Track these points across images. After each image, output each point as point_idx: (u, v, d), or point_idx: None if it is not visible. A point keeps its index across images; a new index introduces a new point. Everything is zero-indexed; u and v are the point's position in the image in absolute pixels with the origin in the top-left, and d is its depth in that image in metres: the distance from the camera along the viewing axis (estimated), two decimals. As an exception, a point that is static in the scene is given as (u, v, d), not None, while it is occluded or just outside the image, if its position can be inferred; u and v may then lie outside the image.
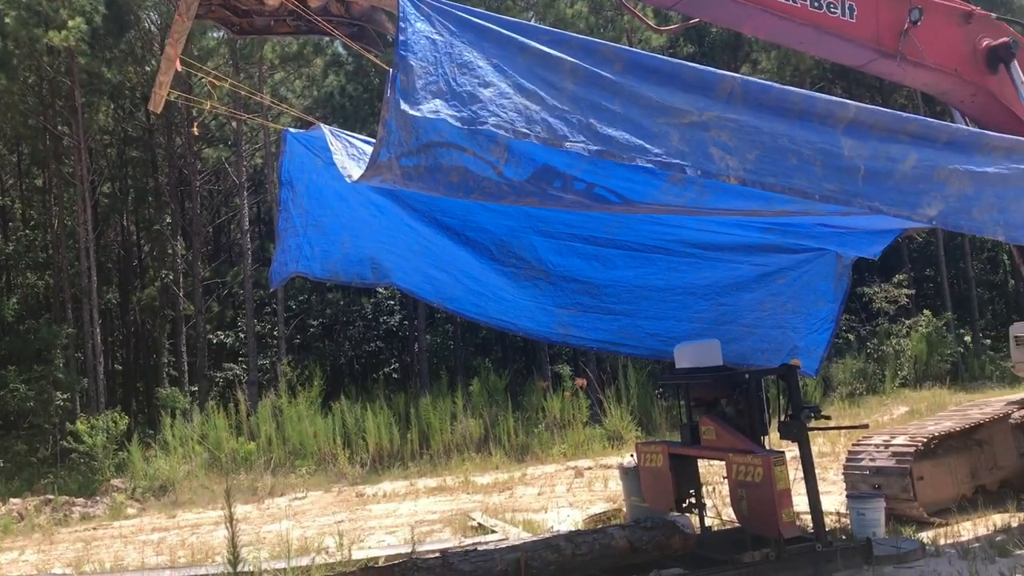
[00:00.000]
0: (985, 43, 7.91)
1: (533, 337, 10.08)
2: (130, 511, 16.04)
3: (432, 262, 8.27)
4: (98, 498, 17.47)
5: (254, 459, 18.81)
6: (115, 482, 18.40)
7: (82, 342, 26.22)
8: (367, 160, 5.22)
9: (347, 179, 6.06)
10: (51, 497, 17.12)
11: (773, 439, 7.63)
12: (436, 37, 4.49)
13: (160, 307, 30.16)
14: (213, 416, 20.08)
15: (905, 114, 5.71)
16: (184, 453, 19.08)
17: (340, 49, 29.42)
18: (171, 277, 29.12)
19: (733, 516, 7.40)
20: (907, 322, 26.24)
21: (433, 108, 4.44)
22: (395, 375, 31.00)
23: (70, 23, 23.41)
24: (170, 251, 29.76)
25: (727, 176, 5.01)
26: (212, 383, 27.84)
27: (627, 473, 9.00)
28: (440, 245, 7.94)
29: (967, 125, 8.36)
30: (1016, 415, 9.32)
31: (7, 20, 23.76)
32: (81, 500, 17.22)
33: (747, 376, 7.45)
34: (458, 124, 4.53)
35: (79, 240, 26.98)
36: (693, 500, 7.92)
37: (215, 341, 30.12)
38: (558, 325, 8.94)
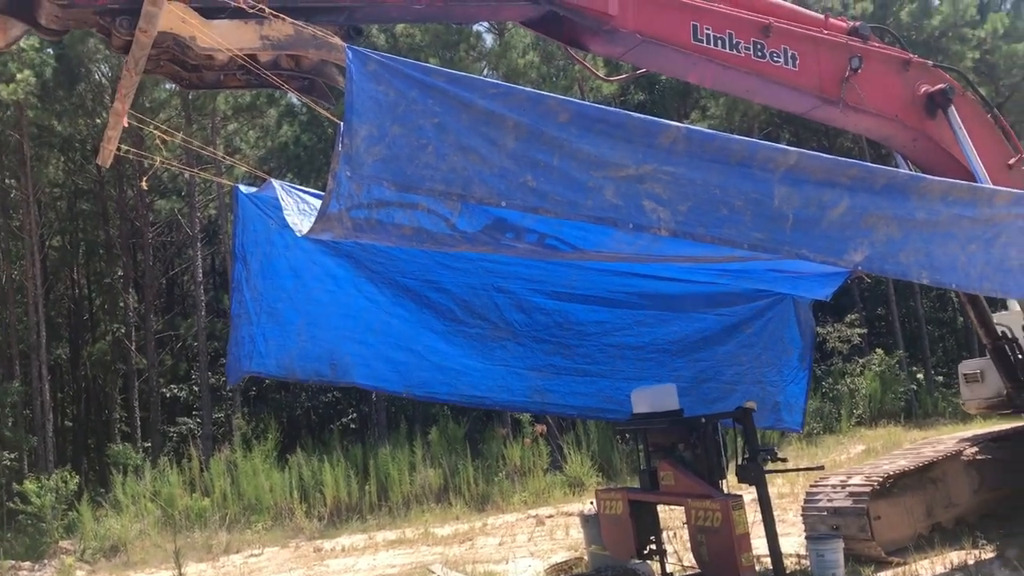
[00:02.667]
0: (923, 89, 8.15)
1: (511, 410, 9.82)
2: (79, 574, 15.55)
3: (394, 341, 8.09)
4: (46, 561, 16.95)
5: (208, 515, 18.39)
6: (64, 544, 17.85)
7: (30, 399, 25.59)
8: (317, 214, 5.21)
9: (297, 233, 6.03)
10: (-4, 562, 16.55)
11: (731, 482, 7.64)
12: (381, 97, 4.50)
13: (111, 361, 29.58)
14: (166, 472, 19.65)
15: (845, 159, 5.84)
16: (136, 511, 18.60)
17: (294, 100, 29.47)
18: (123, 331, 28.63)
19: (694, 561, 7.36)
20: (861, 361, 26.58)
21: (374, 173, 4.47)
22: (353, 425, 30.60)
23: (19, 76, 23.20)
24: (122, 304, 29.29)
25: (658, 228, 5.10)
26: (165, 438, 27.26)
27: (588, 521, 8.95)
28: (401, 317, 7.85)
29: (910, 169, 8.58)
30: (968, 452, 9.45)
31: (-46, 74, 23.48)
32: (28, 564, 16.69)
33: (703, 420, 7.48)
34: (394, 190, 4.57)
35: (27, 294, 26.46)
36: (654, 547, 7.88)
37: (168, 395, 29.56)
38: (534, 392, 8.77)
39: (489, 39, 28.94)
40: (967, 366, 10.34)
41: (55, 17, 5.08)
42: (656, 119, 5.28)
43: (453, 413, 23.04)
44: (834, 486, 8.76)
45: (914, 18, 28.64)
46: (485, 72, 28.10)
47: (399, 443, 21.20)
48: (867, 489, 8.37)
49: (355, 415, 31.18)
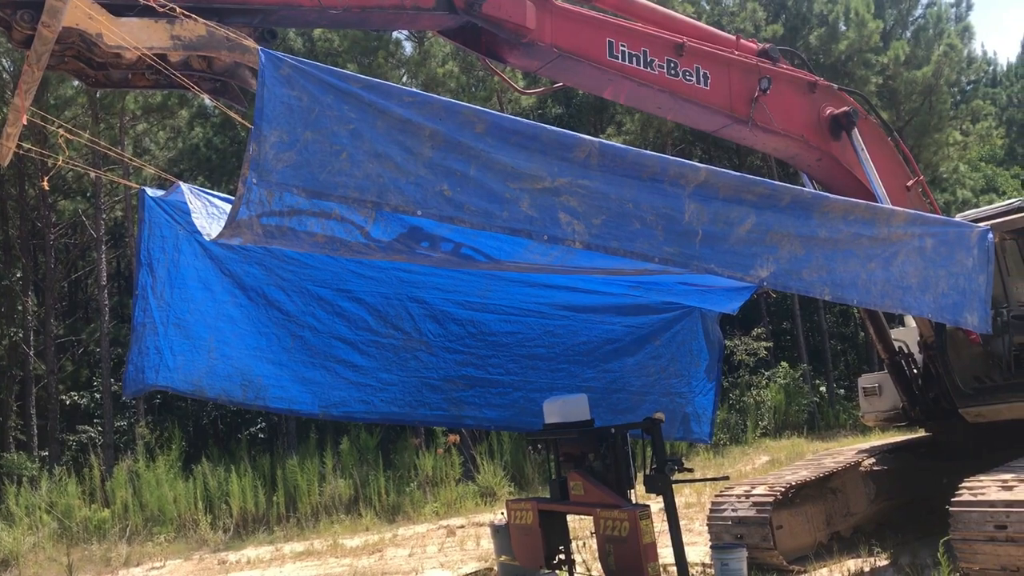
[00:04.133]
0: (828, 111, 8.44)
1: (431, 425, 9.60)
2: (-34, 589, 14.86)
3: (308, 359, 7.87)
4: (-70, 576, 16.10)
5: (108, 527, 17.76)
6: (-49, 558, 17.01)
7: (-83, 406, 24.39)
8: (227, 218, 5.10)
9: (206, 237, 5.89)
10: None
11: (640, 492, 7.74)
12: (294, 102, 4.42)
13: (8, 366, 28.36)
14: (64, 482, 18.92)
15: (753, 177, 6.00)
16: (30, 523, 17.85)
17: (206, 101, 28.83)
18: (21, 335, 27.50)
19: (602, 571, 7.43)
20: (766, 373, 27.30)
21: (282, 180, 4.37)
22: (261, 435, 30.01)
23: (-88, 67, 22.16)
24: (20, 307, 28.14)
25: (572, 240, 5.14)
26: (64, 447, 26.26)
27: (498, 531, 8.96)
28: (313, 328, 7.70)
29: (815, 188, 8.87)
30: (866, 463, 9.79)
31: None
32: (-90, 579, 15.83)
33: (613, 431, 7.56)
34: (304, 196, 4.49)
35: (-83, 296, 25.25)
36: (563, 556, 7.93)
37: (68, 402, 28.51)
38: (451, 404, 8.66)
39: (409, 47, 28.90)
40: (866, 380, 10.71)
41: (-49, 8, 4.87)
42: (571, 132, 5.33)
43: (366, 424, 22.80)
44: (738, 496, 8.97)
45: (822, 42, 29.67)
46: (404, 80, 27.99)
47: (309, 453, 20.85)
48: (770, 499, 8.59)
49: (264, 424, 30.59)
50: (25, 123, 5.24)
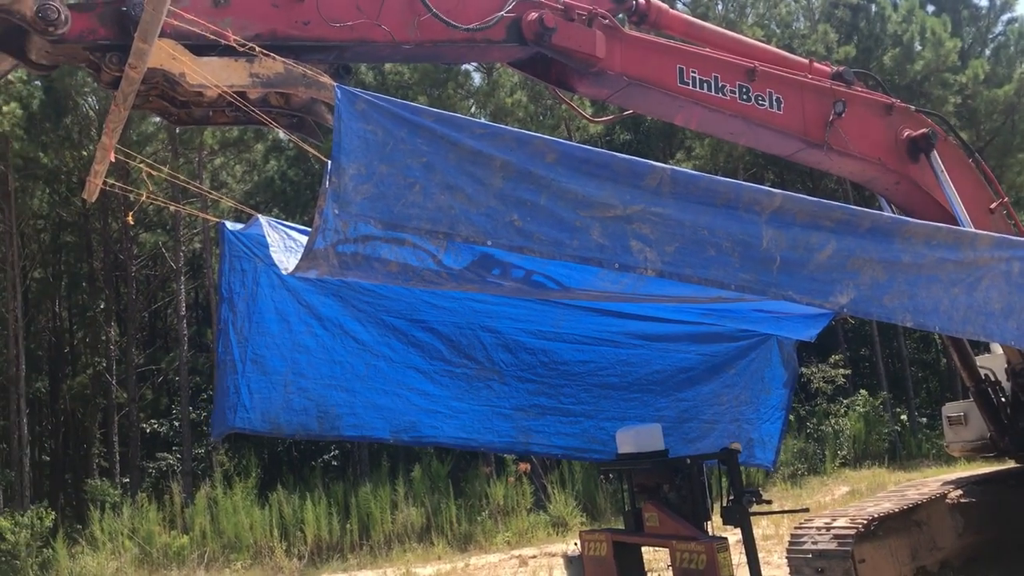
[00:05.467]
0: (906, 134, 8.25)
1: (498, 451, 9.60)
2: (53, 612, 15.27)
3: (380, 386, 7.97)
4: (19, 599, 16.61)
5: (187, 554, 18.12)
6: (38, 581, 17.54)
7: (8, 433, 25.25)
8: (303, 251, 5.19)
9: (283, 271, 6.00)
10: (-32, 600, 16.23)
11: (716, 523, 7.60)
12: (370, 136, 4.50)
13: (92, 395, 29.28)
14: (145, 508, 19.37)
15: (830, 202, 5.89)
16: (113, 548, 18.31)
17: (281, 135, 29.58)
18: (104, 364, 28.37)
19: (678, 604, 7.29)
20: (845, 402, 26.63)
21: (361, 211, 4.45)
22: (335, 463, 30.31)
23: (5, 108, 23.21)
24: (103, 337, 29.05)
25: (644, 268, 5.09)
26: (144, 474, 26.93)
27: (571, 562, 8.85)
28: (387, 358, 7.79)
29: (893, 212, 8.66)
30: (952, 495, 9.44)
31: (-61, 106, 23.46)
32: (1, 602, 16.35)
33: (688, 461, 7.45)
34: (380, 228, 4.56)
35: (8, 327, 26.23)
36: (638, 588, 7.81)
37: (148, 430, 29.25)
38: (519, 432, 8.66)
39: (477, 78, 29.22)
40: (951, 408, 10.37)
41: (45, 52, 5.08)
42: (641, 160, 5.31)
43: (437, 451, 22.90)
44: (819, 528, 8.72)
45: (897, 63, 29.11)
46: (473, 110, 28.32)
47: (381, 481, 21.01)
48: (852, 532, 8.34)
49: (337, 452, 30.91)
50: (113, 160, 5.43)
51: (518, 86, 26.98)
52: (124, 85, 4.97)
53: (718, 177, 5.57)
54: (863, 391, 27.08)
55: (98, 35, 5.03)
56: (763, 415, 9.24)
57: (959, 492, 9.54)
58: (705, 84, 7.30)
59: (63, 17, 4.83)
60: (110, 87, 5.25)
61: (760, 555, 7.37)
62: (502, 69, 25.99)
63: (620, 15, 7.39)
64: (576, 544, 9.21)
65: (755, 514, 7.38)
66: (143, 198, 6.53)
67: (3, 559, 18.73)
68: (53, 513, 20.25)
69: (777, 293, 5.34)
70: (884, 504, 9.23)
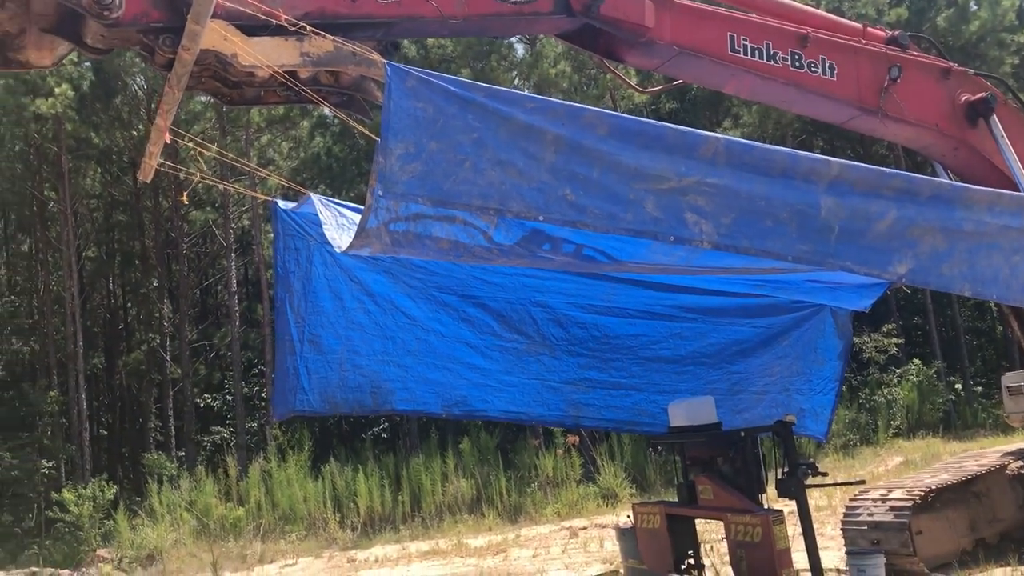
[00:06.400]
0: (964, 98, 8.02)
1: (548, 424, 9.61)
2: (117, 582, 15.72)
3: (431, 361, 8.05)
4: (84, 569, 17.15)
5: (243, 525, 18.52)
6: (101, 552, 18.07)
7: (67, 408, 25.94)
8: (356, 229, 5.22)
9: (337, 249, 6.04)
10: (36, 570, 16.78)
11: (770, 496, 7.56)
12: (419, 113, 4.48)
13: (146, 371, 29.92)
14: (201, 481, 19.81)
15: (888, 170, 5.76)
16: (172, 520, 18.77)
17: (326, 112, 29.70)
18: (158, 340, 28.96)
19: (732, 576, 7.29)
20: (897, 371, 26.25)
21: (408, 190, 4.45)
22: (384, 435, 30.69)
23: (57, 91, 23.63)
24: (157, 314, 29.63)
25: (700, 241, 5.02)
26: (199, 447, 27.51)
27: (624, 534, 8.88)
28: (438, 333, 7.84)
29: (949, 178, 8.46)
30: (1013, 466, 9.27)
31: (-6, 89, 23.95)
32: (66, 572, 16.89)
33: (742, 434, 7.40)
34: (429, 205, 4.55)
35: (65, 305, 26.86)
36: (692, 561, 7.81)
37: (202, 404, 29.83)
38: (569, 406, 8.69)
39: (521, 49, 29.05)
40: (1011, 378, 10.15)
41: (101, 36, 5.14)
42: (695, 130, 5.23)
43: (485, 424, 23.04)
44: (874, 500, 8.64)
45: (951, 23, 28.34)
46: (516, 82, 28.17)
47: (431, 453, 21.24)
48: (909, 503, 8.25)
49: (386, 424, 31.28)
50: (168, 141, 5.50)
51: (561, 56, 26.76)
52: (177, 67, 5.02)
53: (773, 147, 5.48)
54: (916, 360, 26.66)
55: (151, 18, 5.08)
56: (815, 386, 9.13)
57: (1020, 463, 9.36)
58: (757, 52, 7.16)
59: (117, 1, 4.88)
60: (163, 69, 5.31)
61: (814, 527, 7.32)
62: (545, 40, 25.78)
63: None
64: (628, 516, 9.24)
65: (811, 486, 7.32)
66: (196, 178, 6.63)
67: (68, 530, 19.32)
68: (114, 487, 20.82)
69: (834, 263, 5.26)
70: (942, 475, 9.10)
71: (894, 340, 26.95)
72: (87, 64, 25.84)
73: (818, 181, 5.16)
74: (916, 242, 5.40)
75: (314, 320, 7.39)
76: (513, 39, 28.71)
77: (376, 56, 5.31)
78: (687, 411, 7.86)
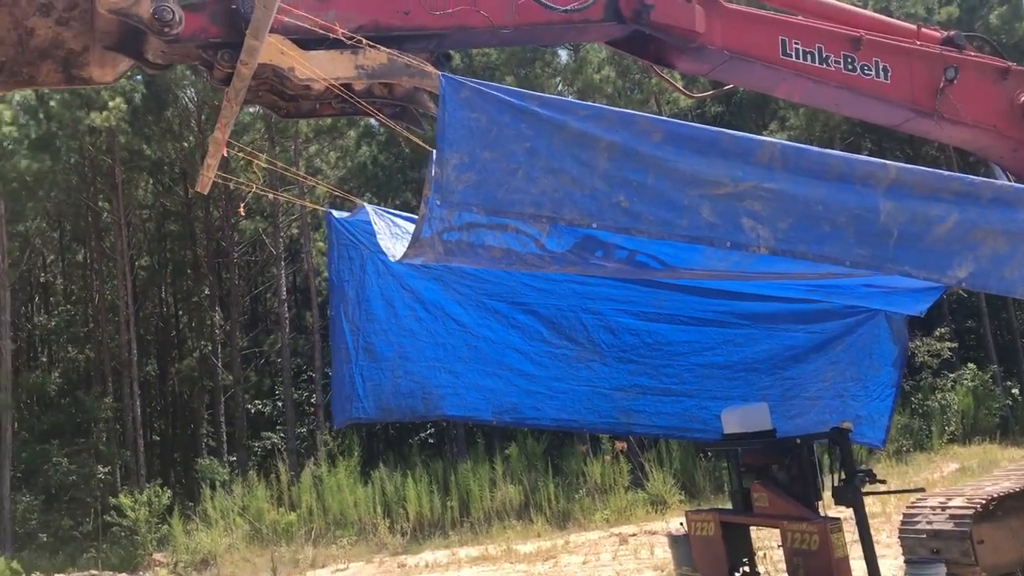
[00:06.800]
0: (1023, 98, 7.87)
1: (599, 431, 9.57)
2: (173, 586, 15.99)
3: (481, 368, 8.10)
4: (141, 573, 17.47)
5: (295, 530, 18.73)
6: (157, 556, 18.39)
7: (122, 414, 26.45)
8: (409, 238, 5.28)
9: (391, 258, 6.11)
10: (95, 573, 17.14)
11: (826, 503, 7.46)
12: (473, 123, 4.52)
13: (198, 378, 30.42)
14: (254, 487, 20.07)
15: (947, 173, 5.67)
16: (225, 525, 19.05)
17: (372, 122, 29.98)
18: (209, 348, 29.41)
19: (788, 585, 7.21)
20: (951, 376, 25.75)
21: (463, 199, 4.49)
22: (431, 440, 30.83)
23: (111, 104, 24.14)
24: (208, 322, 30.10)
25: (757, 246, 4.97)
26: (251, 452, 27.89)
27: (676, 542, 8.83)
28: (488, 340, 7.88)
29: (1008, 180, 8.29)
30: (1076, 473, 9.06)
31: (51, 104, 24.53)
32: (124, 575, 17.18)
33: (798, 441, 7.33)
34: (483, 214, 4.59)
35: (119, 314, 27.40)
36: (747, 569, 7.74)
37: (253, 410, 30.24)
38: (620, 412, 8.68)
39: (564, 55, 29.04)
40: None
41: (161, 52, 5.25)
42: (749, 135, 5.20)
43: (532, 430, 23.06)
44: (933, 508, 8.48)
45: (1004, 21, 27.81)
46: (560, 88, 28.19)
47: (478, 459, 21.30)
48: (970, 511, 8.09)
49: (432, 430, 31.43)
50: (225, 154, 5.60)
51: (606, 62, 26.74)
52: (235, 81, 5.10)
53: (829, 151, 5.42)
54: (971, 364, 26.13)
55: (210, 34, 5.17)
56: (871, 392, 8.99)
57: (1083, 470, 9.14)
58: (809, 55, 7.09)
59: (177, 17, 4.99)
60: (222, 84, 5.40)
61: (872, 535, 7.21)
62: (589, 45, 25.77)
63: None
64: (681, 523, 9.19)
65: (868, 494, 7.22)
66: (249, 189, 6.74)
67: (124, 534, 19.70)
68: (169, 492, 21.18)
69: (893, 268, 5.18)
70: (1003, 483, 8.91)
71: (947, 344, 26.46)
72: (139, 78, 26.37)
73: (876, 185, 5.10)
74: (977, 245, 5.31)
75: (367, 328, 7.48)
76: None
77: (430, 68, 5.35)
78: (741, 418, 7.80)
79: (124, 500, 19.75)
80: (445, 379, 8.12)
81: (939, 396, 24.83)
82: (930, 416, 24.17)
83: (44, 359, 33.66)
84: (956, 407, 24.44)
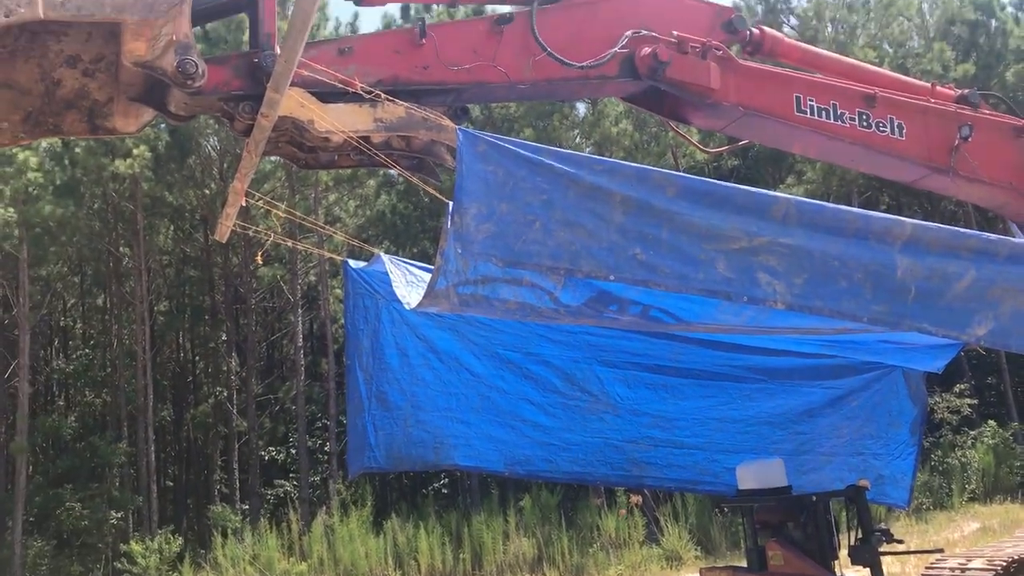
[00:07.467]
0: (1039, 156, 7.87)
1: (611, 484, 9.53)
2: (180, 635, 15.83)
3: (494, 418, 8.10)
4: (149, 621, 17.29)
5: (305, 581, 18.56)
6: (166, 604, 18.24)
7: (136, 460, 26.44)
8: (425, 287, 5.31)
9: (406, 306, 6.14)
10: (102, 620, 16.98)
11: (843, 563, 7.34)
12: (490, 176, 4.58)
13: (213, 424, 30.41)
14: (265, 535, 19.94)
15: (964, 230, 5.67)
16: (235, 574, 18.89)
17: (392, 171, 30.24)
18: (224, 394, 29.44)
19: (804, 646, 7.06)
20: (972, 433, 25.40)
21: (482, 250, 4.54)
22: (444, 490, 30.61)
23: (135, 151, 24.52)
24: (224, 368, 30.17)
25: (773, 301, 4.98)
26: (263, 500, 27.75)
27: (690, 599, 8.70)
28: (501, 391, 7.89)
29: (1025, 237, 8.26)
30: (1099, 535, 8.89)
31: (77, 150, 24.94)
32: (132, 623, 17.04)
33: (814, 498, 7.23)
34: (500, 265, 4.63)
35: (137, 358, 27.53)
36: (761, 628, 7.59)
37: (267, 457, 30.16)
38: (632, 465, 8.65)
39: (582, 108, 29.33)
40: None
41: (184, 104, 5.34)
42: (764, 191, 5.24)
43: (547, 482, 22.83)
44: (953, 569, 8.35)
45: (1020, 78, 27.92)
46: (577, 140, 28.45)
47: (492, 510, 21.10)
48: (990, 574, 7.94)
49: (446, 480, 31.22)
50: (244, 204, 5.67)
51: (623, 115, 26.98)
52: (256, 133, 5.19)
53: (845, 207, 5.45)
54: (991, 422, 25.79)
55: (232, 87, 5.27)
56: (893, 451, 8.89)
57: (1107, 533, 8.97)
58: (823, 112, 7.13)
59: (200, 71, 5.07)
60: (242, 135, 5.49)
61: (890, 596, 7.09)
62: (607, 99, 26.03)
63: (734, 45, 7.33)
64: (696, 580, 9.05)
65: (885, 554, 7.10)
66: (268, 238, 6.81)
67: (134, 582, 19.58)
68: (180, 539, 21.06)
69: (911, 325, 5.15)
70: (1024, 545, 8.77)
71: (967, 400, 26.14)
72: (163, 126, 26.79)
73: (893, 241, 5.10)
74: (996, 303, 5.28)
75: (381, 377, 7.50)
76: (575, 98, 29.06)
77: (447, 122, 5.43)
78: (756, 474, 7.71)
79: (135, 547, 19.67)
80: (458, 429, 8.10)
81: (959, 454, 24.47)
82: (950, 474, 23.80)
83: (61, 402, 33.79)
84: (977, 465, 24.06)
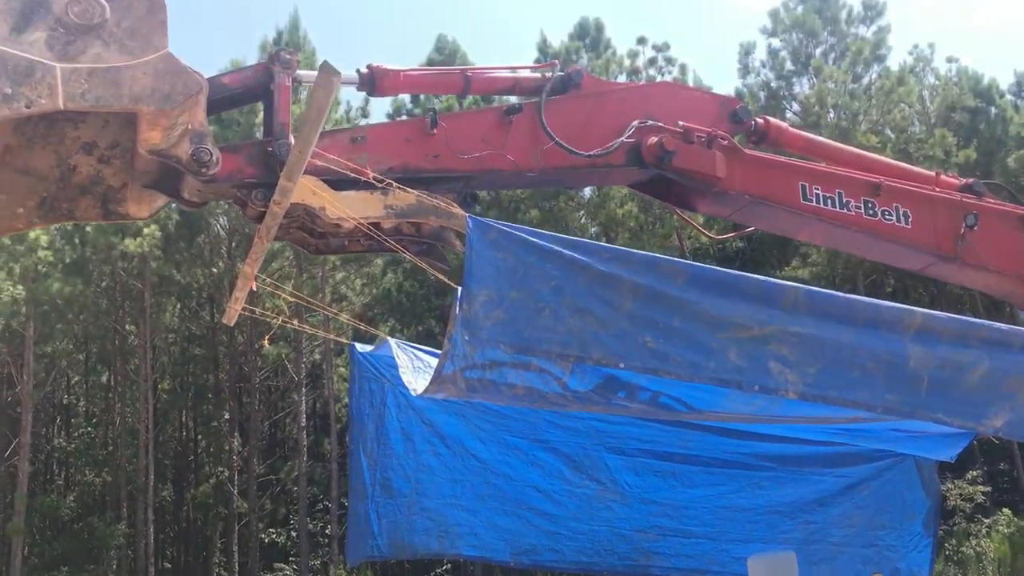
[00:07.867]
0: (1047, 246, 7.90)
1: (618, 574, 9.34)
2: None
3: (500, 506, 8.02)
4: None
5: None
6: None
7: (135, 541, 26.02)
8: (431, 373, 5.29)
9: (412, 392, 6.11)
10: None
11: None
12: (500, 263, 4.60)
13: (214, 504, 30.01)
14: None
15: (975, 320, 5.65)
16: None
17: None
18: (226, 474, 29.12)
19: None
20: (986, 521, 24.94)
21: (491, 336, 4.54)
22: (447, 575, 30.00)
23: (145, 230, 24.79)
24: (226, 447, 29.91)
25: (786, 391, 4.92)
26: (262, 585, 27.22)
27: None
28: (507, 477, 7.81)
29: (1034, 325, 8.24)
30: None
31: (87, 229, 25.21)
32: None
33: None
34: (510, 352, 4.62)
35: (139, 437, 27.34)
36: None
37: (267, 540, 29.66)
38: (639, 555, 8.52)
39: (588, 190, 29.65)
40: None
41: (197, 191, 5.40)
42: (773, 280, 5.23)
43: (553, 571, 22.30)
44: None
45: (1021, 164, 28.22)
46: (583, 221, 28.70)
47: (496, 598, 20.63)
48: (1010, 672, 7.70)
49: (449, 566, 30.61)
50: (254, 288, 5.69)
51: (628, 197, 27.26)
52: (268, 219, 5.23)
53: (855, 296, 5.44)
54: (1006, 510, 25.32)
55: (245, 174, 5.33)
56: (908, 543, 8.71)
57: None
58: (829, 200, 7.19)
59: (215, 159, 5.14)
60: (255, 221, 5.53)
61: None
62: (613, 182, 26.33)
63: (739, 135, 7.44)
64: (706, 677, 8.79)
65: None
66: (278, 322, 6.82)
67: (127, 670, 19.04)
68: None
69: (926, 415, 5.09)
70: (1044, 641, 8.51)
71: (980, 488, 25.74)
72: (174, 205, 27.09)
73: (904, 331, 5.08)
74: (1013, 394, 5.22)
75: (385, 463, 7.44)
76: (581, 180, 29.39)
77: (457, 209, 5.47)
78: (768, 568, 7.55)
79: (130, 632, 19.20)
80: (462, 517, 7.98)
81: (974, 542, 23.98)
82: (966, 564, 23.28)
83: (60, 481, 33.45)
84: (992, 555, 23.55)
